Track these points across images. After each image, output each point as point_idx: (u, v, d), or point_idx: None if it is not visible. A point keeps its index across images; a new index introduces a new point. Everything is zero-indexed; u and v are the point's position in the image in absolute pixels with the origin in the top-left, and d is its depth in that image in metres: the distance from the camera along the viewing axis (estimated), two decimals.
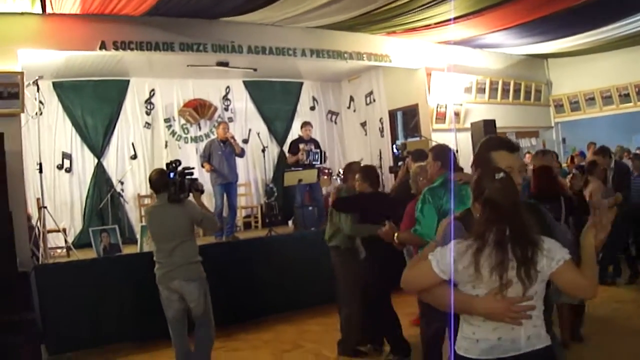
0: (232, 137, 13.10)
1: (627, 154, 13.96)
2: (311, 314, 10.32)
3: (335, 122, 17.87)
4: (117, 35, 10.80)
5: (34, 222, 10.71)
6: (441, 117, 14.62)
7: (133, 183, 14.54)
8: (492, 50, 15.62)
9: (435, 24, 12.54)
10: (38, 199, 11.13)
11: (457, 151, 11.33)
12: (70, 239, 12.26)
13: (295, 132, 16.22)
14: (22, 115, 10.18)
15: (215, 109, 15.73)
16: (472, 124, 14.02)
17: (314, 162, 13.88)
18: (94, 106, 14.15)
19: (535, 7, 11.45)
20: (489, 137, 4.09)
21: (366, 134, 16.91)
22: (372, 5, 11.20)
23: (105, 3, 10.05)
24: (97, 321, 9.25)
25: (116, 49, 10.86)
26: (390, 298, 8.04)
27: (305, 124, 14.72)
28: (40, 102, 11.09)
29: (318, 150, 14.21)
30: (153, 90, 15.00)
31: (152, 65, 13.61)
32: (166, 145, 14.97)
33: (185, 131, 15.41)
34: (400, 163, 11.44)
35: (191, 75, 14.84)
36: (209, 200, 12.65)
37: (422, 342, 6.52)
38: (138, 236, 11.23)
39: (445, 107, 14.67)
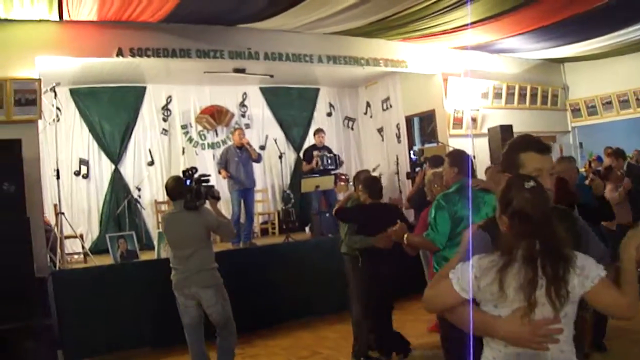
0: (248, 143, 13.12)
1: None
2: (328, 320, 10.32)
3: (352, 128, 17.82)
4: (134, 41, 10.82)
5: (51, 228, 10.75)
6: (458, 123, 14.57)
7: (150, 189, 14.54)
8: (508, 55, 15.56)
9: (452, 29, 12.50)
10: (55, 205, 11.18)
11: (474, 157, 11.28)
12: (87, 245, 12.32)
13: (312, 138, 16.20)
14: (40, 122, 10.22)
15: (232, 115, 15.72)
16: (489, 129, 13.97)
17: (329, 167, 13.87)
18: (111, 112, 14.18)
19: (552, 12, 11.40)
20: (517, 137, 3.74)
21: (383, 140, 16.85)
22: (388, 11, 11.18)
23: (122, 10, 10.07)
24: (113, 327, 9.29)
25: (133, 55, 10.87)
26: (385, 308, 8.08)
27: (319, 131, 14.75)
28: (58, 108, 11.15)
29: (332, 155, 14.20)
30: (170, 96, 15.01)
31: (169, 72, 13.61)
32: (183, 152, 14.96)
33: (202, 137, 15.41)
34: (417, 169, 11.42)
35: (208, 82, 14.86)
36: (226, 206, 12.67)
37: (443, 347, 6.45)
38: (155, 242, 11.25)
39: (462, 113, 14.60)
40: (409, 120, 15.94)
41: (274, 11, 10.79)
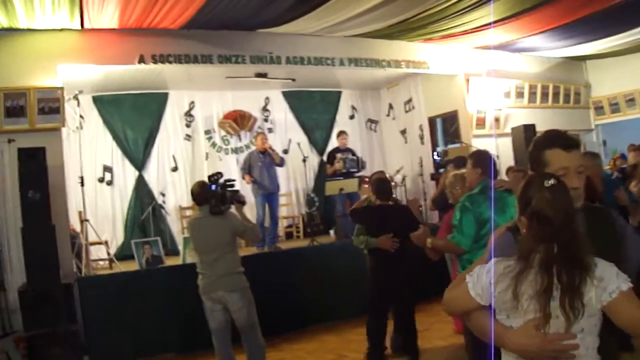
0: (271, 147, 13.14)
1: None
2: (354, 323, 10.25)
3: (375, 131, 17.80)
4: (156, 48, 10.86)
5: (76, 234, 10.81)
6: (481, 123, 14.51)
7: (174, 195, 14.59)
8: (530, 54, 15.48)
9: (473, 29, 12.45)
10: (80, 212, 11.23)
11: (497, 157, 11.24)
12: (112, 251, 12.37)
13: (335, 141, 16.21)
14: (63, 130, 10.31)
15: (255, 120, 15.75)
16: (512, 129, 13.90)
17: (351, 170, 13.85)
18: (134, 119, 14.26)
19: (573, 9, 11.33)
20: (542, 133, 3.40)
21: (406, 142, 16.78)
22: (409, 12, 11.15)
23: (143, 17, 10.11)
24: (139, 333, 9.34)
25: (155, 62, 10.90)
26: (383, 309, 8.18)
27: (341, 133, 14.80)
28: (81, 116, 11.22)
29: (355, 157, 14.20)
30: (193, 102, 15.06)
31: (191, 78, 13.65)
32: (207, 157, 14.99)
33: (226, 143, 15.45)
34: (441, 170, 11.40)
35: (230, 87, 14.92)
36: (250, 210, 12.69)
37: (467, 352, 6.40)
38: (180, 248, 11.31)
39: (485, 113, 14.54)
40: (431, 121, 15.89)
41: (294, 15, 10.80)
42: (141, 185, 14.24)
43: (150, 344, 9.42)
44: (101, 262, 11.85)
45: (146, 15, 10.06)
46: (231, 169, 14.54)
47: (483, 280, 2.93)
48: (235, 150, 15.47)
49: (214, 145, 15.26)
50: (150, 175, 14.44)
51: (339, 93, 17.12)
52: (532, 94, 15.53)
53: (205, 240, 7.33)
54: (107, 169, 14.03)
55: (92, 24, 10.11)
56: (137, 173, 14.25)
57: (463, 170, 7.05)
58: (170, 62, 11.05)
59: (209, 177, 7.61)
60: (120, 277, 9.96)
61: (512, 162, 12.21)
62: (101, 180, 13.90)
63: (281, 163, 13.38)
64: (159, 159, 14.57)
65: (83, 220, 10.56)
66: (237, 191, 7.55)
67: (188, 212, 13.88)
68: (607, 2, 11.09)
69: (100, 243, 11.70)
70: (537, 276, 2.73)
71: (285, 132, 16.26)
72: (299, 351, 9.52)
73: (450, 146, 14.62)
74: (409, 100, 16.45)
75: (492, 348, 2.97)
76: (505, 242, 3.06)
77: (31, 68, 9.78)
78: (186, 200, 14.20)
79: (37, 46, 9.94)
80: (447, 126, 15.81)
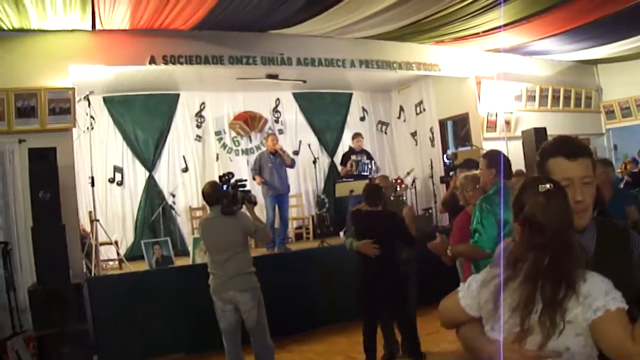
0: (281, 149, 13.14)
1: None
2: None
3: (386, 133, 17.77)
4: (167, 49, 10.87)
5: (86, 234, 10.84)
6: (492, 126, 14.49)
7: (185, 195, 14.61)
8: (541, 57, 15.46)
9: (484, 32, 12.44)
10: (90, 212, 11.27)
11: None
12: (122, 252, 12.38)
13: (345, 143, 16.24)
14: (74, 130, 10.35)
15: (266, 121, 15.75)
16: (523, 132, 13.84)
17: (363, 173, 13.83)
18: (144, 120, 14.28)
19: (584, 12, 11.30)
20: (550, 139, 3.11)
21: (417, 144, 16.75)
22: (420, 14, 11.14)
23: (154, 18, 10.13)
24: (148, 333, 9.38)
25: (166, 63, 10.93)
26: (370, 314, 8.28)
27: (356, 135, 14.75)
28: (92, 117, 11.27)
29: (369, 161, 14.18)
30: (203, 103, 15.07)
31: (201, 79, 13.67)
32: (217, 158, 15.02)
33: (236, 144, 15.46)
34: (451, 173, 11.39)
35: (241, 88, 14.93)
36: (260, 211, 12.68)
37: None
38: (190, 248, 11.28)
39: (496, 116, 14.53)
40: (442, 123, 15.87)
41: (305, 16, 10.80)
42: (151, 186, 14.26)
43: (160, 344, 9.45)
44: (111, 262, 11.88)
45: (157, 16, 10.08)
46: (241, 169, 14.52)
47: (473, 290, 2.79)
48: (246, 152, 15.48)
49: (224, 146, 15.28)
50: (161, 175, 14.46)
51: (350, 95, 17.10)
52: (543, 97, 15.51)
53: (216, 240, 7.35)
54: (118, 169, 14.04)
55: (103, 25, 10.13)
56: (147, 174, 14.27)
57: (475, 172, 7.02)
58: (181, 63, 11.07)
59: (220, 177, 7.64)
60: (130, 278, 10.00)
61: (522, 166, 12.16)
62: (111, 180, 13.92)
63: (292, 165, 13.37)
64: (169, 159, 14.59)
65: (93, 221, 10.60)
66: (248, 191, 7.59)
67: (198, 213, 13.91)
68: (618, 6, 11.06)
69: (110, 243, 11.70)
70: (520, 287, 2.56)
71: (296, 133, 16.26)
72: (308, 352, 9.54)
73: (460, 149, 14.58)
74: (420, 103, 16.43)
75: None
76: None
77: (42, 69, 9.82)
78: (196, 201, 14.24)
79: (48, 47, 9.98)
80: (457, 129, 15.79)
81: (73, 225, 9.57)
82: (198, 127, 15.01)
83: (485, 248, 5.69)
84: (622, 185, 10.85)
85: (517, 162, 12.52)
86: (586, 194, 2.82)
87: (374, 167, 14.26)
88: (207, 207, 8.05)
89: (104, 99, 13.69)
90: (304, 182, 16.12)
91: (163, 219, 13.70)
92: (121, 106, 14.02)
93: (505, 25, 11.67)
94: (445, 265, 6.57)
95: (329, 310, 10.54)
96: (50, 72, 9.86)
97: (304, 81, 14.74)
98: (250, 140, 15.60)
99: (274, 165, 12.78)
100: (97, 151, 12.67)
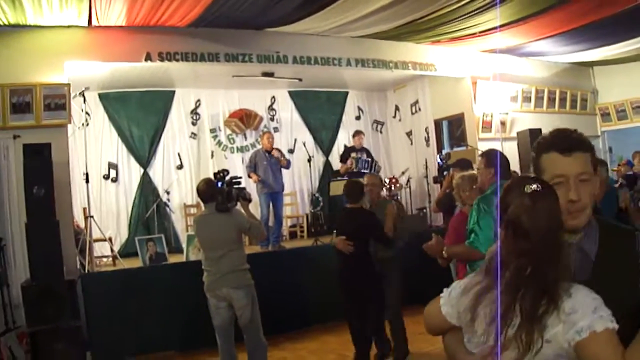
0: (278, 150, 13.11)
1: None
2: None
3: (381, 132, 17.79)
4: (163, 46, 10.87)
5: (80, 231, 10.84)
6: (487, 127, 14.50)
7: (179, 193, 14.62)
8: (537, 58, 15.49)
9: (480, 32, 12.45)
10: (84, 209, 11.30)
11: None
12: (116, 248, 12.45)
13: (341, 142, 16.28)
14: (69, 126, 10.34)
15: (261, 119, 15.75)
16: (518, 133, 13.87)
17: (363, 171, 13.78)
18: (139, 117, 14.28)
19: (581, 14, 11.31)
20: (544, 134, 2.80)
21: (412, 144, 16.78)
22: (416, 14, 11.15)
23: (151, 14, 10.12)
24: (142, 329, 9.38)
25: (161, 60, 10.91)
26: (350, 311, 8.33)
27: (357, 133, 14.75)
28: (87, 113, 11.22)
29: (369, 159, 14.17)
30: (199, 100, 15.08)
31: (197, 76, 13.67)
32: (212, 156, 15.03)
33: (231, 141, 15.46)
34: (445, 173, 11.40)
35: (237, 86, 14.92)
36: (254, 209, 12.67)
37: None
38: (184, 245, 11.27)
39: (491, 116, 14.55)
40: (437, 123, 15.89)
41: (301, 15, 10.80)
42: (146, 183, 14.25)
43: (153, 340, 9.46)
44: (105, 259, 11.89)
45: (154, 13, 10.07)
46: (236, 167, 14.51)
47: (453, 297, 2.60)
48: (241, 149, 15.48)
49: (219, 143, 15.28)
50: (155, 172, 14.46)
51: (346, 93, 17.11)
52: (539, 98, 15.53)
53: (211, 237, 7.36)
54: (112, 166, 14.04)
55: (99, 21, 10.13)
56: (142, 170, 14.27)
57: (472, 172, 6.98)
58: (177, 60, 11.05)
59: (215, 174, 7.66)
60: (124, 274, 10.03)
61: (517, 166, 12.17)
62: (106, 177, 13.92)
63: (287, 166, 13.34)
64: (164, 156, 14.60)
65: (87, 217, 10.60)
66: (243, 188, 7.60)
67: (193, 210, 13.91)
68: (615, 8, 11.08)
69: (104, 240, 11.70)
70: (498, 297, 2.32)
71: (291, 131, 16.28)
72: (301, 350, 9.55)
73: (455, 149, 14.61)
74: (416, 102, 16.45)
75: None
76: None
77: (38, 64, 9.82)
78: (191, 198, 14.25)
79: (44, 43, 9.96)
80: (453, 129, 15.81)
81: (67, 221, 9.55)
82: (193, 124, 15.02)
83: (481, 249, 5.48)
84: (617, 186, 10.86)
85: (512, 163, 12.51)
86: (583, 193, 2.54)
87: (374, 165, 14.23)
88: (202, 204, 8.05)
89: (100, 95, 13.69)
90: (299, 180, 16.11)
91: (157, 216, 13.70)
92: (116, 102, 14.01)
93: (501, 26, 11.71)
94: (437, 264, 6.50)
95: (322, 309, 10.51)
96: (46, 68, 9.85)
97: (300, 79, 14.76)
98: (246, 138, 15.61)
99: (269, 163, 12.75)
100: (92, 147, 12.69)
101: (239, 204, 7.49)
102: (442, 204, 9.92)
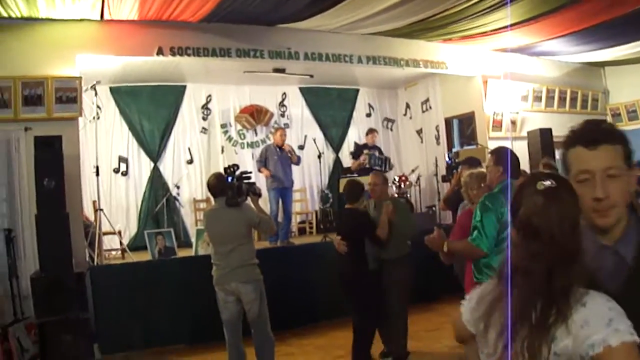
0: (290, 147, 13.11)
1: None
2: None
3: (391, 129, 17.80)
4: (174, 41, 10.88)
5: (90, 224, 10.88)
6: (498, 126, 14.48)
7: (189, 187, 14.66)
8: (548, 58, 15.45)
9: (492, 31, 12.44)
10: (94, 202, 11.32)
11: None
12: (125, 242, 12.49)
13: (351, 139, 16.31)
14: (80, 119, 10.36)
15: (272, 115, 15.79)
16: (528, 132, 13.83)
17: (376, 167, 13.72)
18: (150, 111, 14.33)
19: (592, 14, 11.28)
20: (571, 129, 2.55)
21: (422, 142, 16.80)
22: (428, 12, 11.15)
23: (163, 9, 10.15)
24: (150, 322, 9.41)
25: (173, 54, 10.93)
26: (349, 309, 8.28)
27: (371, 131, 14.68)
28: (98, 106, 11.25)
29: (382, 157, 14.15)
30: (210, 95, 15.13)
31: (208, 71, 13.68)
32: (222, 151, 15.08)
33: (242, 137, 15.49)
34: (453, 171, 11.38)
35: (248, 82, 14.93)
36: (264, 204, 12.69)
37: None
38: (193, 240, 11.29)
39: (502, 115, 14.52)
40: (448, 122, 15.88)
41: (313, 11, 10.81)
42: (156, 177, 14.31)
43: (161, 334, 9.48)
44: (114, 252, 11.95)
45: (166, 8, 10.10)
46: (246, 163, 14.53)
47: (472, 305, 2.44)
48: (251, 145, 15.53)
49: (229, 139, 15.32)
50: (166, 167, 14.50)
51: (357, 91, 17.13)
52: (550, 98, 15.49)
53: (220, 232, 7.36)
54: (123, 159, 14.10)
55: (111, 14, 10.15)
56: (152, 164, 14.32)
57: (480, 169, 6.93)
58: (188, 55, 11.08)
59: (226, 168, 7.68)
60: (133, 267, 10.04)
61: (527, 166, 12.16)
62: (116, 170, 13.98)
63: (297, 162, 13.35)
64: (174, 151, 14.64)
65: (97, 210, 10.62)
66: (253, 183, 7.60)
67: (202, 205, 13.96)
68: (627, 8, 11.04)
69: (113, 233, 11.76)
70: (510, 304, 2.13)
71: (302, 128, 16.31)
72: (308, 346, 9.55)
73: (465, 147, 14.58)
74: (426, 100, 16.46)
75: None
76: None
77: (50, 57, 9.85)
78: (200, 193, 14.31)
79: (56, 36, 10.00)
80: (463, 127, 15.78)
81: (77, 214, 9.60)
82: (204, 119, 15.06)
83: (483, 248, 5.50)
84: None
85: (522, 163, 12.53)
86: (611, 189, 2.31)
87: (387, 162, 14.19)
88: (212, 199, 8.06)
89: (111, 88, 13.74)
90: (309, 176, 16.14)
91: (167, 210, 13.71)
92: (128, 96, 14.07)
93: (512, 25, 11.67)
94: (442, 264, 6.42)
95: (330, 305, 10.49)
96: (58, 61, 9.89)
97: (311, 76, 14.78)
98: (256, 134, 15.65)
99: (280, 158, 12.73)
100: (102, 141, 12.79)
101: (249, 198, 7.50)
102: (450, 201, 9.91)
